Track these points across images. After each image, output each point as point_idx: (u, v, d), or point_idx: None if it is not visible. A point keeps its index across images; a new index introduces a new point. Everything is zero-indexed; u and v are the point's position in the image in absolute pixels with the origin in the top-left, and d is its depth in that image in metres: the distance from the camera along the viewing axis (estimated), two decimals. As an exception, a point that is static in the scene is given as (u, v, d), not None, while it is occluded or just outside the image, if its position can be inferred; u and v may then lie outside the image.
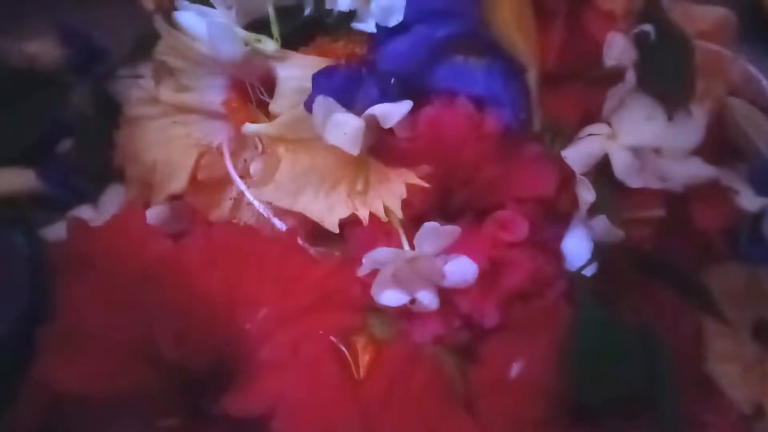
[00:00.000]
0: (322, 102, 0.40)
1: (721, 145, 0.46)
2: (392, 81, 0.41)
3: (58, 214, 0.50)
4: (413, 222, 0.42)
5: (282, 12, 0.46)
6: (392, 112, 0.40)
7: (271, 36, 0.45)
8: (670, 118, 0.42)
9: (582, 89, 0.44)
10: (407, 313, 0.40)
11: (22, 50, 0.62)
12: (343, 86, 0.40)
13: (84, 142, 0.56)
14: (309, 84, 0.42)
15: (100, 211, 0.49)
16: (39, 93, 0.57)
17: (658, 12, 0.45)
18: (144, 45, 0.55)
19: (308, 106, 0.40)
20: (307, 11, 0.45)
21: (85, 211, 0.49)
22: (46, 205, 0.50)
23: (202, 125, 0.46)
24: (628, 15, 0.44)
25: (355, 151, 0.39)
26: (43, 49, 0.63)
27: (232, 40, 0.42)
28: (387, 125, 0.40)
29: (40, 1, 0.70)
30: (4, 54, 0.61)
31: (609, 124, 0.43)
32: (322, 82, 0.40)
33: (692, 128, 0.43)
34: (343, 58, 0.44)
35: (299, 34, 0.46)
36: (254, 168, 0.45)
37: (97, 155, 0.54)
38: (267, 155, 0.41)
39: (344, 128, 0.39)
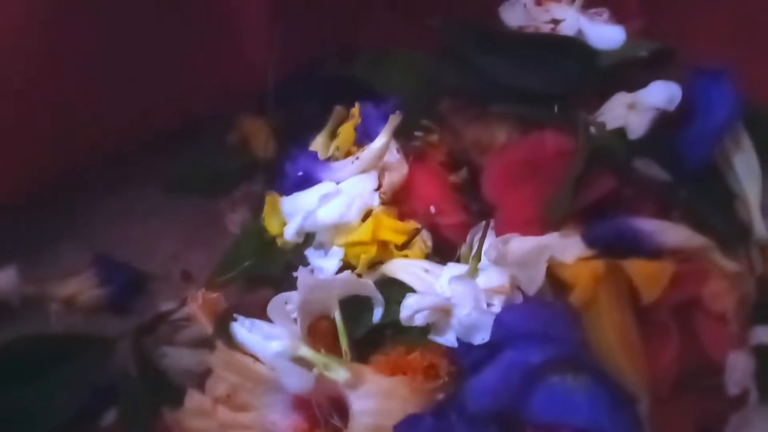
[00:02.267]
0: (409, 464, 0.34)
1: None
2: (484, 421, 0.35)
3: None
4: None
5: (349, 315, 0.41)
6: (489, 468, 0.34)
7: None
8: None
9: (695, 401, 0.38)
10: None
11: (59, 295, 0.58)
12: (429, 437, 0.35)
13: (129, 410, 0.50)
14: (386, 421, 0.36)
15: None
16: (78, 356, 0.52)
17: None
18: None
19: (393, 462, 0.35)
20: (377, 315, 0.40)
21: None
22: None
23: (264, 444, 0.41)
24: (741, 308, 0.39)
25: None
26: (80, 288, 0.59)
27: (298, 373, 0.37)
28: (485, 486, 0.34)
29: (75, 220, 0.66)
30: (39, 305, 0.57)
31: (732, 449, 0.37)
32: (405, 433, 0.35)
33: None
34: (419, 372, 0.39)
35: (370, 338, 0.41)
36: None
37: (143, 426, 0.49)
38: None
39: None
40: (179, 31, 0.67)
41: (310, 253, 0.45)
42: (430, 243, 0.44)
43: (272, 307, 0.38)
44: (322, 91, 0.72)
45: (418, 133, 0.50)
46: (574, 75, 0.44)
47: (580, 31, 0.45)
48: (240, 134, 0.74)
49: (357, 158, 0.45)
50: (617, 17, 0.50)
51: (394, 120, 0.44)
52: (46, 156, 0.62)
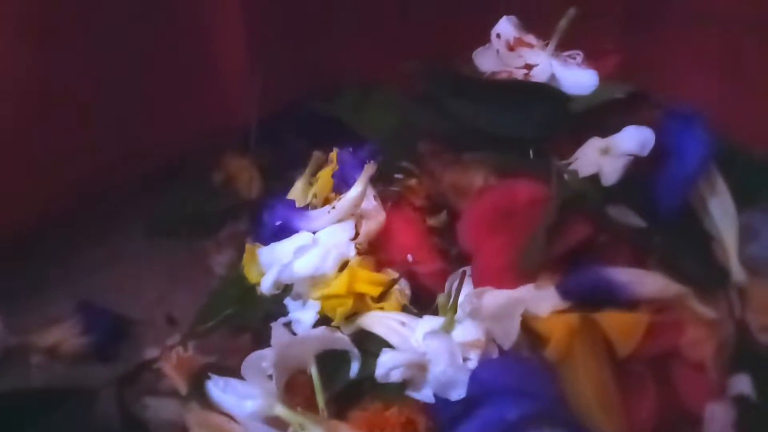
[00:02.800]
0: None
1: None
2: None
3: None
4: None
5: (327, 369, 0.40)
6: None
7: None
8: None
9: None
10: None
11: (42, 345, 0.57)
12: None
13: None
14: (365, 482, 0.36)
15: None
16: (59, 410, 0.51)
17: (750, 344, 0.39)
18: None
19: None
20: (354, 369, 0.40)
21: None
22: None
23: None
24: (720, 356, 0.38)
25: None
26: (63, 337, 0.58)
27: (273, 435, 0.36)
28: None
29: (57, 266, 0.65)
30: (22, 356, 0.56)
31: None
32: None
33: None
34: (397, 428, 0.38)
35: (349, 391, 0.40)
36: None
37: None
38: None
39: None
40: (162, 72, 0.67)
41: (289, 303, 0.45)
42: (408, 292, 0.43)
43: (246, 366, 0.37)
44: (307, 128, 0.72)
45: (397, 176, 0.50)
46: (547, 120, 0.43)
47: (553, 76, 0.45)
48: (225, 173, 0.73)
49: (333, 207, 0.45)
50: (594, 55, 0.50)
51: (370, 169, 0.44)
52: (26, 203, 0.62)
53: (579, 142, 0.43)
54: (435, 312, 0.42)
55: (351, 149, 0.48)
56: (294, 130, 0.71)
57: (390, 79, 0.67)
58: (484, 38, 0.49)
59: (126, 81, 0.64)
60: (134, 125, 0.64)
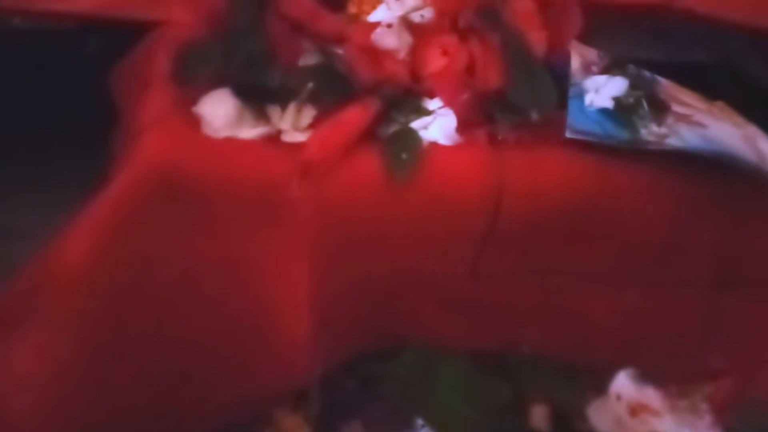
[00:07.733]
0: None
1: None
2: None
3: None
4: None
5: None
6: None
7: None
8: None
9: None
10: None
11: None
12: None
13: None
14: None
15: None
16: None
17: None
18: None
19: None
20: None
21: None
22: None
23: None
24: None
25: None
26: None
27: None
28: None
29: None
30: None
31: None
32: None
33: None
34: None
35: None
36: None
37: None
38: None
39: None
40: (223, 340, 0.61)
41: None
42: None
43: None
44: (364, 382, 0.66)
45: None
46: None
47: (679, 450, 0.39)
48: (277, 430, 0.67)
49: None
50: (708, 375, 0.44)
51: None
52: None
53: None
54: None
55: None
56: (349, 377, 0.65)
57: (457, 340, 0.61)
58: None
59: (183, 350, 0.58)
60: (191, 395, 0.58)
